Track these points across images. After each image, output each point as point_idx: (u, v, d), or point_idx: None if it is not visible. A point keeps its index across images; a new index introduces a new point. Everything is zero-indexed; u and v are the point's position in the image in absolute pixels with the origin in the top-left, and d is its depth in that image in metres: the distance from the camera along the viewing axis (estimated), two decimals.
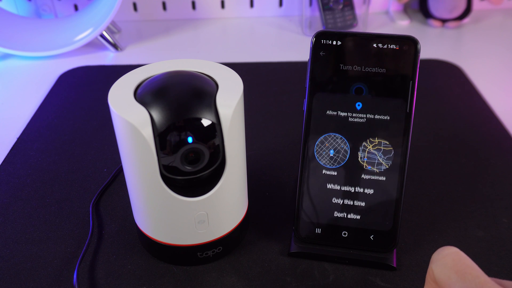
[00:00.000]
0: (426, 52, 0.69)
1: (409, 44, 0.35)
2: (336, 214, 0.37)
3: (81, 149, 0.51)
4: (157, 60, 0.62)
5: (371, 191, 0.36)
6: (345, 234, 0.37)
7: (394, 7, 0.83)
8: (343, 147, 0.36)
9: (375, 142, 0.36)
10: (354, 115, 0.36)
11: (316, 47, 0.36)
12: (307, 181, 0.37)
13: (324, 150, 0.37)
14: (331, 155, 0.37)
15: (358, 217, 0.37)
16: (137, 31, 0.80)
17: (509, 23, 0.80)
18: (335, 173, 0.37)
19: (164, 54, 0.73)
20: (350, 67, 0.36)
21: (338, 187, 0.37)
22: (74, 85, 0.63)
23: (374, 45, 0.35)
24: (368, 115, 0.36)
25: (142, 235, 0.38)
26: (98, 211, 0.43)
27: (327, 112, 0.36)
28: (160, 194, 0.33)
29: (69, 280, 0.36)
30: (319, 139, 0.37)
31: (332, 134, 0.37)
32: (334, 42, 0.36)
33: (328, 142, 0.37)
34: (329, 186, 0.37)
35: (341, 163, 0.37)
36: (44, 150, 0.51)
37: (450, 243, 0.39)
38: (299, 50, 0.72)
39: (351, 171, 0.36)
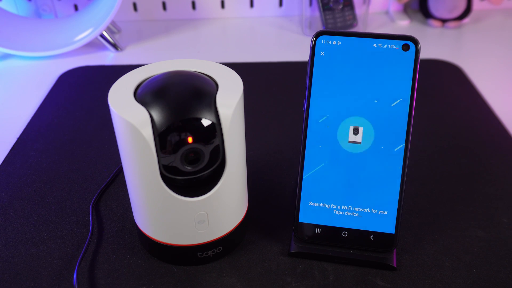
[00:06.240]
0: (426, 52, 0.69)
1: (409, 44, 0.35)
2: (336, 213, 0.37)
3: (81, 149, 0.51)
4: (157, 60, 0.62)
5: (371, 191, 0.36)
6: (345, 234, 0.37)
7: (394, 7, 0.83)
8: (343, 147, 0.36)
9: (375, 141, 0.36)
10: (354, 115, 0.36)
11: (316, 47, 0.36)
12: (307, 181, 0.37)
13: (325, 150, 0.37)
14: (331, 155, 0.37)
15: (358, 217, 0.37)
16: (137, 31, 0.80)
17: (509, 23, 0.80)
18: (335, 173, 0.37)
19: (164, 54, 0.73)
20: (350, 67, 0.36)
21: (338, 187, 0.37)
22: (74, 85, 0.63)
23: (374, 45, 0.35)
24: (368, 115, 0.36)
25: (142, 235, 0.38)
26: (98, 211, 0.43)
27: (327, 112, 0.36)
28: (160, 194, 0.33)
29: (69, 280, 0.37)
30: (319, 139, 0.37)
31: (332, 134, 0.37)
32: (334, 42, 0.36)
33: (328, 142, 0.37)
34: (329, 185, 0.37)
35: (341, 163, 0.37)
36: (44, 150, 0.51)
37: (450, 243, 0.39)
38: (299, 50, 0.72)
39: (351, 170, 0.36)
